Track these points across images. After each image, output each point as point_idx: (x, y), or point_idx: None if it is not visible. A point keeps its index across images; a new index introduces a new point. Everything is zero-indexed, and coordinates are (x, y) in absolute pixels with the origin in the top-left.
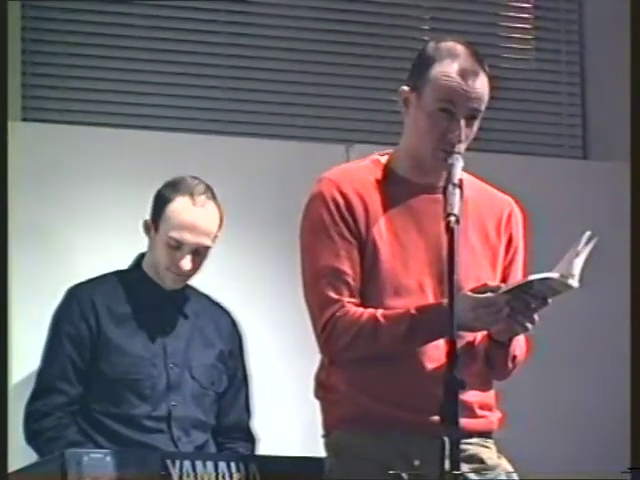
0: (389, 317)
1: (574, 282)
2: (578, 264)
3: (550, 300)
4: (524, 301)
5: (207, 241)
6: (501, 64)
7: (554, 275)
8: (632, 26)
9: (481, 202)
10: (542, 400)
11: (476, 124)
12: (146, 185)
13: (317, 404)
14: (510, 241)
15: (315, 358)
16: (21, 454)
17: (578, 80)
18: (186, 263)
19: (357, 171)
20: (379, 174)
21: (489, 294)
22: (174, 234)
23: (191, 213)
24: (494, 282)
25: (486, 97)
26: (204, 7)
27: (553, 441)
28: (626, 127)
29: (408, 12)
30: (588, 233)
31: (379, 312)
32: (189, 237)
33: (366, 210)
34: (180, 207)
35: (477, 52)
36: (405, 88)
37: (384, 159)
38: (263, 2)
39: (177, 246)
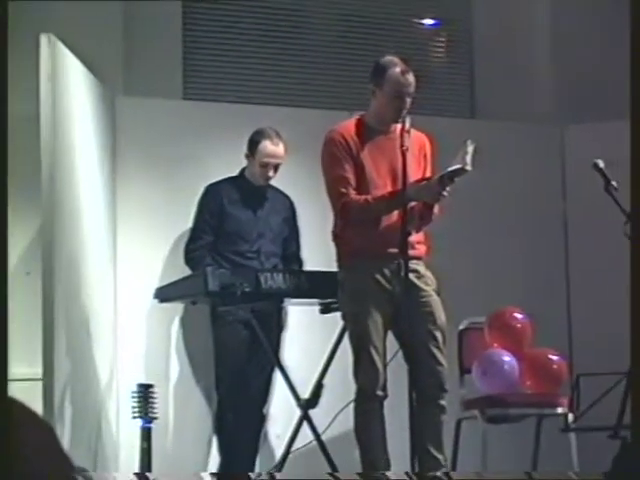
0: (377, 198)
1: (469, 167)
2: (469, 159)
3: (456, 179)
4: (444, 183)
5: (280, 161)
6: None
7: (458, 166)
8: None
9: (414, 136)
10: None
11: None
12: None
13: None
14: (425, 156)
15: (328, 220)
16: None
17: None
18: (271, 173)
19: (350, 124)
20: (361, 126)
21: (429, 182)
22: (265, 159)
23: (273, 147)
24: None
25: (414, 84)
26: None
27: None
28: (511, 89)
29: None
30: (469, 140)
31: (369, 197)
32: (272, 160)
33: (356, 145)
34: (266, 145)
35: (406, 59)
36: (370, 85)
37: (361, 117)
38: None
39: (266, 165)
